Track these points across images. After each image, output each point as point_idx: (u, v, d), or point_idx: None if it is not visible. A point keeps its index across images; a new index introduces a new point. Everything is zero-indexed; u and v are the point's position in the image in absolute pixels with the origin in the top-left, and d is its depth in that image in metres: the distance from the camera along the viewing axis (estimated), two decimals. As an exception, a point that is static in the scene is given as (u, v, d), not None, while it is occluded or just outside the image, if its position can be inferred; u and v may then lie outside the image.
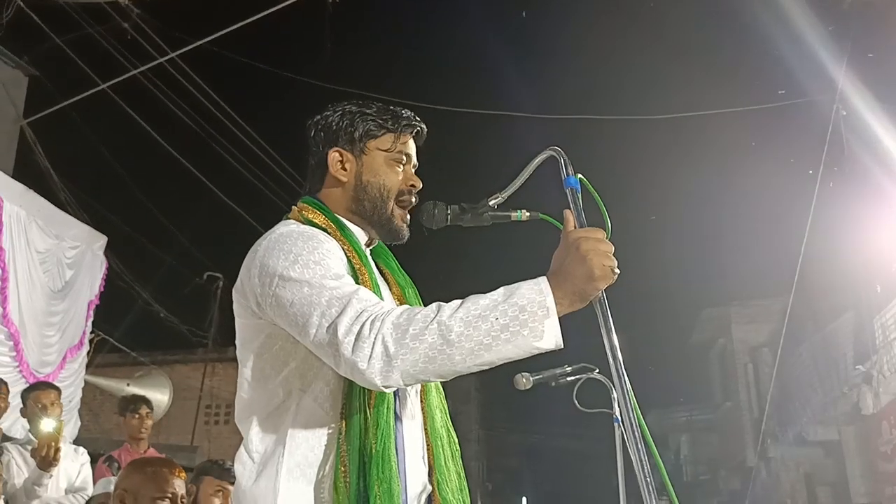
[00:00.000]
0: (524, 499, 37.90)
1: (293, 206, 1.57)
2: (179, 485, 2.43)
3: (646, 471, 1.18)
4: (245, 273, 1.44)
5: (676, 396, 24.47)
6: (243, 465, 1.43)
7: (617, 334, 1.29)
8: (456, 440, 1.58)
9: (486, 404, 28.40)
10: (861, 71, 9.08)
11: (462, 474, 1.53)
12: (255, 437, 1.43)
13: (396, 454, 1.36)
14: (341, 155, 1.54)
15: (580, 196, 1.39)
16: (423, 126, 1.61)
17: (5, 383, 4.11)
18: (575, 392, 3.62)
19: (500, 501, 32.44)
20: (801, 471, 15.19)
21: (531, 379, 3.37)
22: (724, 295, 19.00)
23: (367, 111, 1.55)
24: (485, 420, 28.86)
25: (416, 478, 1.43)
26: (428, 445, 1.48)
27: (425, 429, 1.49)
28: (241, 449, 1.45)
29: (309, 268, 1.35)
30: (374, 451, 1.34)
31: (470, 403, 25.80)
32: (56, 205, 7.53)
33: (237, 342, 1.52)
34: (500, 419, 31.07)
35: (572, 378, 3.47)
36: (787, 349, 13.46)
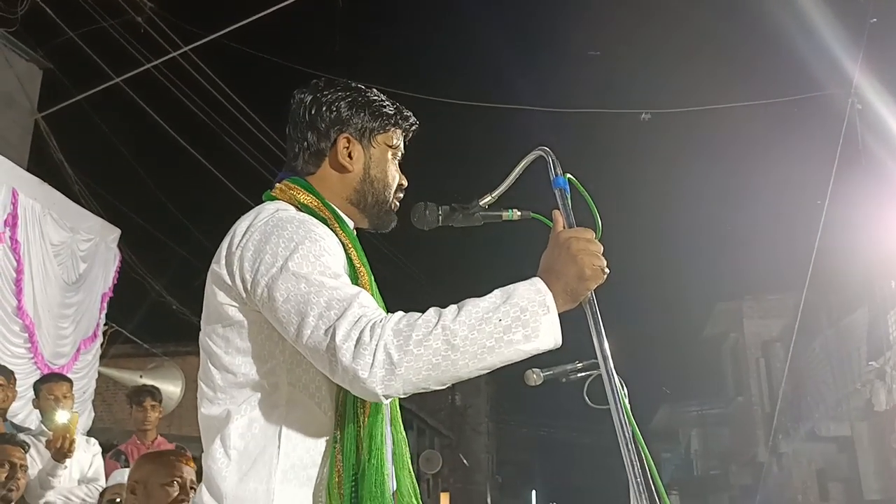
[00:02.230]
0: (534, 492, 37.97)
1: (277, 185, 1.48)
2: (188, 471, 2.47)
3: (636, 470, 1.19)
4: (232, 252, 1.34)
5: (688, 390, 24.41)
6: (215, 462, 1.32)
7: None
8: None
9: (497, 398, 28.44)
10: (877, 65, 8.98)
11: (414, 476, 1.48)
12: (234, 433, 1.32)
13: (391, 460, 1.34)
14: (349, 142, 1.50)
15: (569, 196, 1.38)
16: (417, 125, 1.60)
17: (12, 373, 4.15)
18: (585, 388, 3.62)
19: (509, 494, 32.51)
20: (812, 467, 15.12)
21: (542, 375, 3.37)
22: (737, 289, 18.95)
23: (374, 102, 1.53)
24: (495, 413, 28.91)
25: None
26: (393, 450, 1.43)
27: (393, 433, 1.44)
28: (216, 443, 1.34)
29: (308, 261, 1.27)
30: (369, 461, 1.29)
31: (480, 397, 25.84)
32: (70, 197, 7.59)
33: (207, 322, 1.39)
34: (510, 413, 31.15)
35: (583, 374, 3.47)
36: (800, 344, 13.38)
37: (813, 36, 8.92)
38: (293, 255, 1.28)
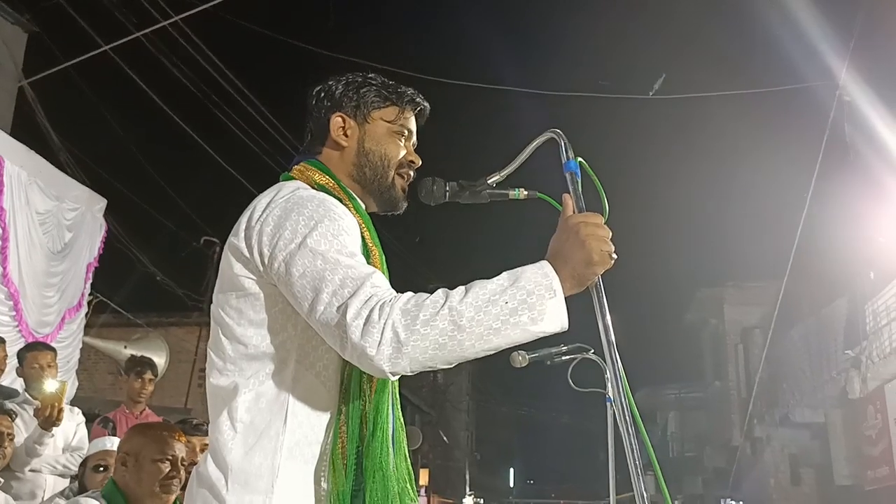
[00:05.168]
0: (511, 470, 38.44)
1: (295, 167, 1.52)
2: (180, 447, 2.48)
3: (635, 452, 1.22)
4: (251, 226, 1.36)
5: (667, 374, 24.76)
6: (222, 434, 1.34)
7: (612, 312, 1.30)
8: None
9: (478, 377, 28.64)
10: (866, 58, 9.05)
11: (410, 462, 1.50)
12: (241, 406, 1.34)
13: (391, 440, 1.36)
14: (344, 120, 1.53)
15: (580, 180, 1.38)
16: (427, 105, 1.61)
17: (3, 341, 4.13)
18: (569, 371, 3.68)
19: (488, 471, 32.87)
20: (785, 452, 15.40)
21: (527, 357, 3.41)
22: (719, 276, 19.17)
23: (373, 82, 1.56)
24: (476, 392, 29.12)
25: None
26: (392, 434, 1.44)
27: (393, 417, 1.44)
28: (223, 415, 1.35)
29: (327, 239, 1.30)
30: (373, 433, 1.33)
31: (461, 375, 26.01)
32: (55, 165, 7.52)
33: (221, 293, 1.41)
34: (491, 392, 31.39)
35: (567, 357, 3.52)
36: (779, 332, 13.57)
37: (803, 28, 8.97)
38: (312, 233, 1.31)
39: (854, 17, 8.56)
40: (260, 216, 1.37)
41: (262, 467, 1.31)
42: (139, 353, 5.46)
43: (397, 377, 1.29)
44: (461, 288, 1.26)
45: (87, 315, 7.75)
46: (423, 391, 22.42)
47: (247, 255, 1.36)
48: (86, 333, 7.92)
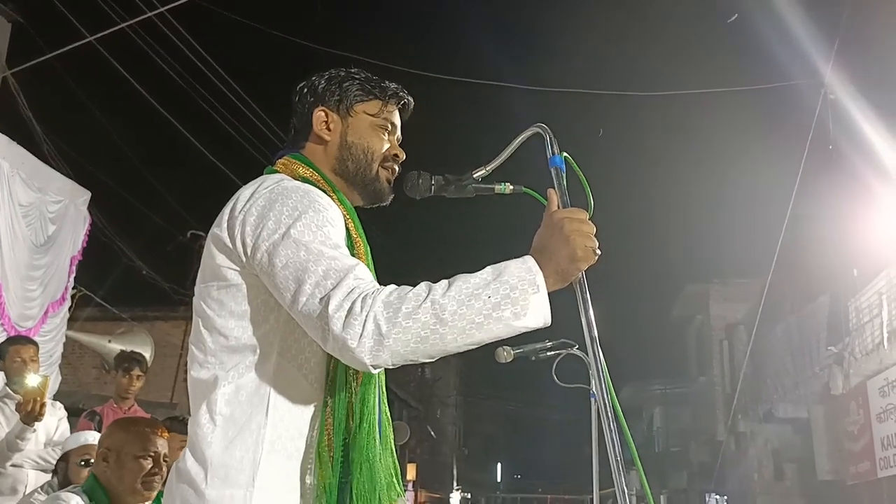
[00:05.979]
0: (499, 464, 38.61)
1: (278, 161, 1.51)
2: (162, 444, 2.45)
3: (617, 449, 1.22)
4: (235, 216, 1.35)
5: (653, 369, 24.95)
6: (201, 428, 1.32)
7: (599, 308, 1.30)
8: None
9: (466, 372, 28.71)
10: (850, 56, 9.11)
11: (396, 458, 1.49)
12: (221, 399, 1.33)
13: (378, 432, 1.36)
14: (326, 115, 1.53)
15: (565, 175, 1.38)
16: (411, 99, 1.60)
17: None
18: (554, 366, 3.69)
19: (475, 466, 33.00)
20: (769, 447, 15.54)
21: (512, 352, 3.42)
22: (705, 272, 19.32)
23: (356, 76, 1.56)
24: (463, 387, 29.20)
25: None
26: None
27: (381, 408, 1.44)
28: (202, 408, 1.34)
29: (310, 230, 1.29)
30: (360, 425, 1.32)
31: (449, 370, 26.07)
32: (38, 157, 7.44)
33: (203, 283, 1.40)
34: (478, 387, 31.52)
35: (552, 353, 3.53)
36: (763, 328, 13.68)
37: (788, 26, 9.02)
38: (296, 223, 1.30)
39: (839, 15, 8.62)
40: (243, 206, 1.36)
41: (242, 461, 1.30)
42: (128, 349, 5.40)
43: (379, 370, 1.28)
44: (444, 281, 1.25)
45: (70, 309, 7.69)
46: (410, 386, 22.44)
47: (229, 245, 1.35)
48: (69, 327, 7.86)
